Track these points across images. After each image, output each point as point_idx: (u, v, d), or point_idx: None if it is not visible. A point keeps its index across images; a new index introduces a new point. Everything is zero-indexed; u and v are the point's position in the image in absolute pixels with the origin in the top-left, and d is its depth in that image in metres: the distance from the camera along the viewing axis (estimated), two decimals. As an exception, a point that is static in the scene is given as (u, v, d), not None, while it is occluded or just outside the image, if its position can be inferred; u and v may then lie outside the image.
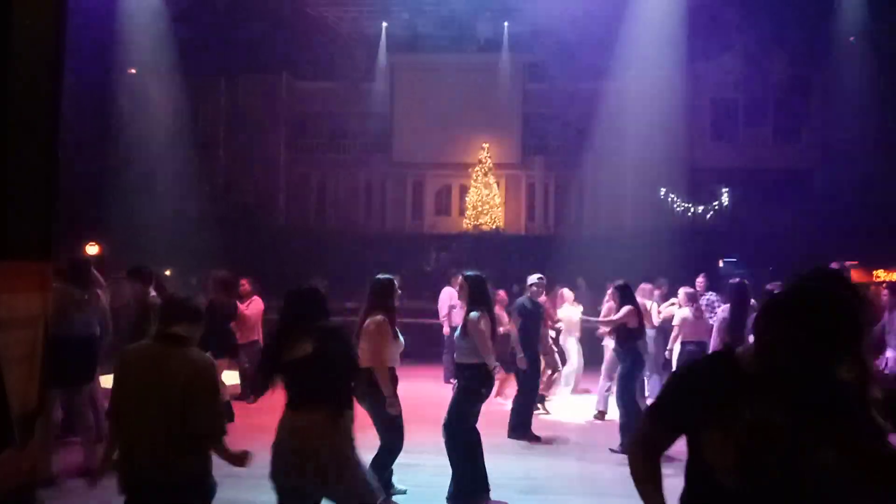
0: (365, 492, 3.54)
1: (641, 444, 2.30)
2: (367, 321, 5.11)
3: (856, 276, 17.56)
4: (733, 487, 2.04)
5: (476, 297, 5.61)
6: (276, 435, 3.51)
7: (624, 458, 6.89)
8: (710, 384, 2.10)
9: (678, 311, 8.68)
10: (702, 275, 9.68)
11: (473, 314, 5.51)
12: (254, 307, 9.58)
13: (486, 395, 5.67)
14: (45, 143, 2.69)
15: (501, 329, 9.78)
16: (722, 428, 2.05)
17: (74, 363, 5.64)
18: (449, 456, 5.47)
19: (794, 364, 1.99)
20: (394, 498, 5.32)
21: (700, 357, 2.55)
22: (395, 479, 5.38)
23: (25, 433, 2.35)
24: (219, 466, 4.11)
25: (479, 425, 5.65)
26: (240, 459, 3.31)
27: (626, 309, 7.56)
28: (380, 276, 5.31)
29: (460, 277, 6.13)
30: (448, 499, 5.39)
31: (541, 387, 8.60)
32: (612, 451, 7.06)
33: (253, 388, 3.74)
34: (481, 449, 5.57)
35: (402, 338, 5.20)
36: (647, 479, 2.23)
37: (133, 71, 24.40)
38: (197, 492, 3.25)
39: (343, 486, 3.43)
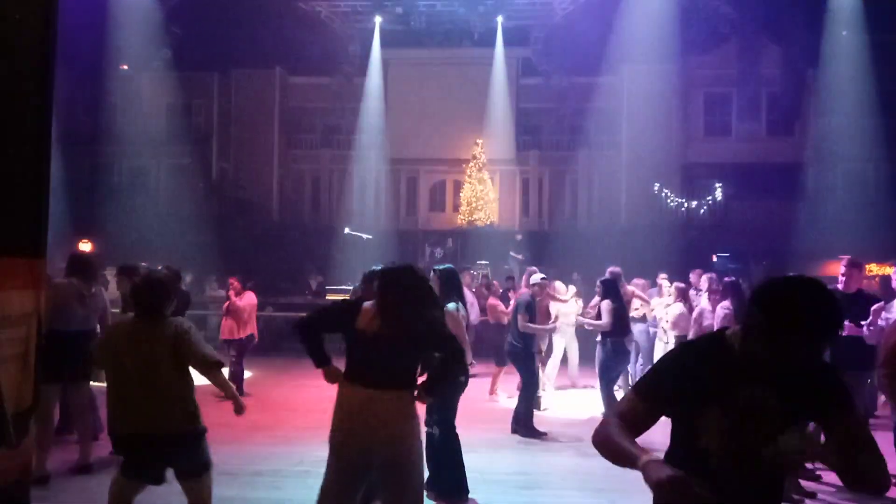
0: (420, 470, 3.57)
1: (619, 416, 2.17)
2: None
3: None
4: (716, 468, 2.07)
5: (447, 290, 5.60)
6: (346, 400, 3.46)
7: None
8: (707, 363, 2.12)
9: (672, 307, 8.70)
10: (696, 271, 9.70)
11: (451, 305, 5.48)
12: (247, 299, 9.53)
13: (465, 385, 5.61)
14: (37, 138, 2.66)
15: (499, 320, 9.81)
16: (719, 407, 2.08)
17: (74, 358, 5.63)
18: (436, 454, 5.44)
19: (763, 349, 2.02)
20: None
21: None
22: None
23: (19, 431, 2.34)
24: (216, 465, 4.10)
25: (476, 421, 5.64)
26: (237, 404, 3.98)
27: (605, 305, 7.63)
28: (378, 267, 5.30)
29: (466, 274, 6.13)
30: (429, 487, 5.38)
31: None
32: None
33: (317, 359, 3.69)
34: (459, 444, 5.55)
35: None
36: (618, 437, 2.09)
37: (125, 67, 24.28)
38: (192, 441, 3.77)
39: (409, 457, 3.44)
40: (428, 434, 5.31)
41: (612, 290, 7.85)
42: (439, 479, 5.35)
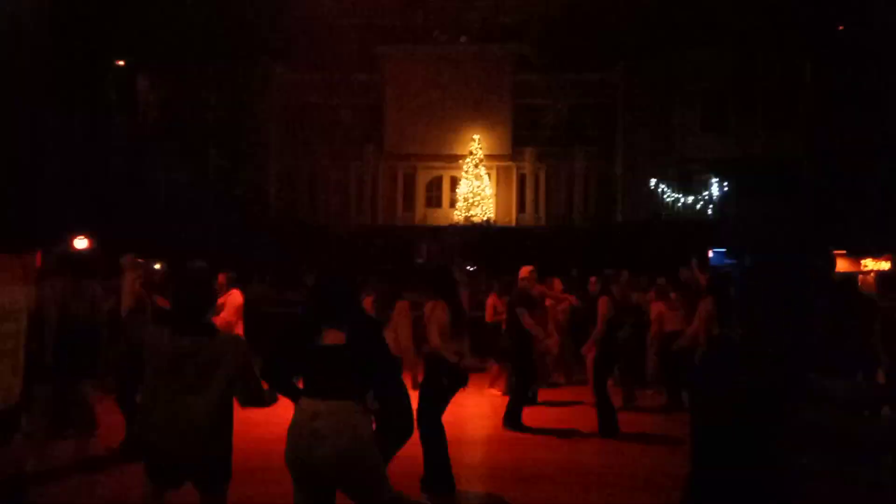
0: (381, 484, 3.53)
1: None
2: (430, 307, 5.39)
3: (844, 265, 17.68)
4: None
5: (437, 289, 5.66)
6: (294, 418, 3.40)
7: (615, 446, 6.94)
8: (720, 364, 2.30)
9: (653, 305, 8.82)
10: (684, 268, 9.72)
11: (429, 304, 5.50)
12: (231, 300, 9.29)
13: (464, 383, 5.57)
14: (26, 133, 2.65)
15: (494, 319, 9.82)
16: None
17: (74, 355, 5.62)
18: (423, 442, 5.49)
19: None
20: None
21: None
22: None
23: (10, 427, 2.34)
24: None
25: (471, 416, 5.66)
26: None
27: (600, 300, 7.68)
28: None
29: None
30: (430, 487, 5.42)
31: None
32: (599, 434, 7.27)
33: (270, 378, 3.59)
34: (444, 443, 5.52)
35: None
36: None
37: (121, 63, 24.21)
38: (224, 468, 3.48)
39: (359, 474, 3.39)
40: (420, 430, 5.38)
41: (606, 286, 7.89)
42: (428, 475, 5.39)
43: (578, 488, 5.72)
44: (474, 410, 8.29)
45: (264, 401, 3.59)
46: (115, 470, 5.82)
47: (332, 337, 3.43)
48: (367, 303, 7.37)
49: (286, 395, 3.57)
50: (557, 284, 10.23)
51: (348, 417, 3.36)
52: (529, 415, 7.78)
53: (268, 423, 7.76)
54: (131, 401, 6.17)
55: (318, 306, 3.54)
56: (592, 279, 8.74)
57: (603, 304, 7.60)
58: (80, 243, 18.95)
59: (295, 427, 3.38)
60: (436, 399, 5.46)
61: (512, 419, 7.43)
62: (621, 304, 8.31)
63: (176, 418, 3.33)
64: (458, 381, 5.51)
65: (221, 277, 9.21)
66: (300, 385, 3.52)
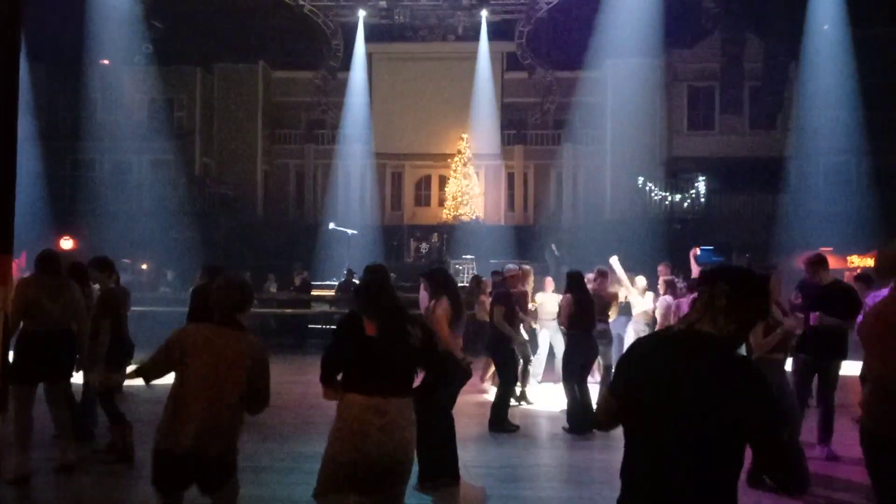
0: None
1: None
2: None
3: (830, 262, 17.75)
4: None
5: (437, 286, 5.70)
6: (351, 414, 3.34)
7: (601, 445, 6.94)
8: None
9: (661, 298, 8.74)
10: (663, 263, 9.75)
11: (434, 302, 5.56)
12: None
13: (468, 377, 5.71)
14: (2, 134, 2.61)
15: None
16: None
17: (50, 357, 5.54)
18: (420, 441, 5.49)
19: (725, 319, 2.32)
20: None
21: None
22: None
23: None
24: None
25: (460, 415, 5.68)
26: None
27: (565, 298, 7.71)
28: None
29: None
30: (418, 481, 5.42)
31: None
32: (564, 429, 7.31)
33: (326, 376, 3.58)
34: (454, 433, 5.63)
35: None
36: None
37: (106, 62, 24.01)
38: (230, 468, 3.44)
39: (408, 469, 3.45)
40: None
41: (573, 283, 7.79)
42: (430, 467, 5.39)
43: (567, 486, 5.73)
44: (461, 408, 8.27)
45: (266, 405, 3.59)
46: (100, 473, 5.76)
47: (410, 337, 3.49)
48: None
49: (331, 386, 3.55)
50: (549, 283, 10.26)
51: (410, 414, 3.44)
52: (518, 413, 7.79)
53: (259, 423, 7.74)
54: (113, 403, 6.10)
55: (385, 305, 3.55)
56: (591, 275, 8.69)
57: (565, 302, 7.65)
58: (66, 244, 18.85)
59: (355, 423, 3.33)
60: (444, 395, 5.50)
61: (497, 422, 7.41)
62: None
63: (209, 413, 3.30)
64: (464, 376, 5.59)
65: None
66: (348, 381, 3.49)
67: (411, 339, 3.48)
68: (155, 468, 3.36)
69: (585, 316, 7.51)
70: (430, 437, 5.40)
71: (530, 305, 9.61)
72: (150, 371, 3.47)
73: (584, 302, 7.56)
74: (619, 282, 9.26)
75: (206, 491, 3.41)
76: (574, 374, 7.45)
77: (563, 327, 8.12)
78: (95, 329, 5.95)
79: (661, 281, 8.99)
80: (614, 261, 9.14)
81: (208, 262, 7.48)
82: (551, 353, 10.33)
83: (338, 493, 3.39)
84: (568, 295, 7.66)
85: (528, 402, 8.92)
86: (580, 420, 7.25)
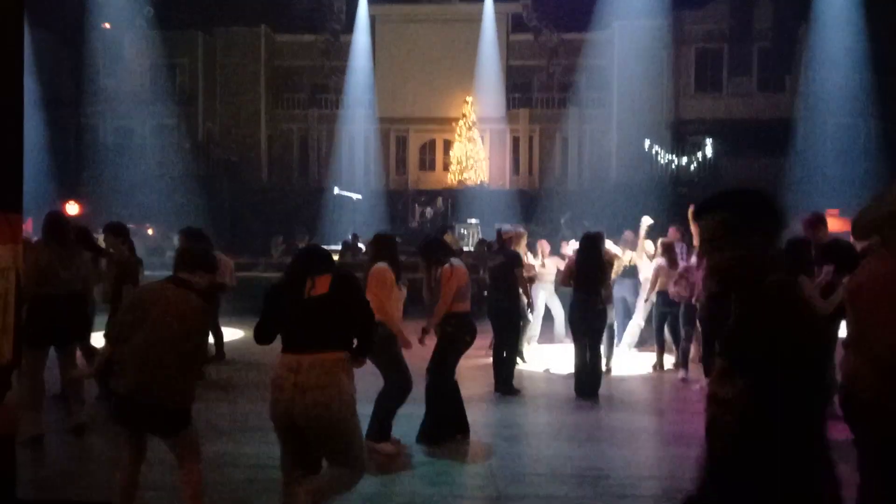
0: (357, 442, 3.56)
1: None
2: (372, 269, 5.31)
3: (838, 224, 17.70)
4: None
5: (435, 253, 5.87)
6: (277, 371, 3.44)
7: (602, 405, 7.00)
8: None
9: (655, 260, 8.73)
10: (673, 226, 9.73)
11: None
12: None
13: (469, 344, 5.81)
14: (8, 90, 2.60)
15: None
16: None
17: (64, 321, 5.60)
18: (427, 398, 5.64)
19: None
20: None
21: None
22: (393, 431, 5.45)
23: (2, 388, 2.34)
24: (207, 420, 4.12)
25: (463, 378, 5.77)
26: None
27: (569, 258, 7.78)
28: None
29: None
30: (418, 438, 5.56)
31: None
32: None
33: (261, 335, 3.65)
34: (459, 394, 5.78)
35: (404, 288, 5.49)
36: None
37: (107, 26, 23.79)
38: (178, 416, 3.63)
39: (341, 429, 3.42)
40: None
41: (584, 245, 7.75)
42: (430, 425, 5.57)
43: (571, 445, 5.80)
44: (463, 371, 8.34)
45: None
46: (107, 437, 5.85)
47: (319, 287, 3.48)
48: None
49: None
50: (544, 246, 10.27)
51: (331, 370, 3.38)
52: (524, 374, 7.84)
53: (260, 385, 7.83)
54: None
55: (305, 261, 3.63)
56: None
57: (568, 262, 7.69)
58: (72, 209, 18.88)
59: (277, 380, 3.41)
60: (449, 355, 5.67)
61: (503, 382, 7.47)
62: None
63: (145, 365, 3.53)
64: (469, 336, 5.74)
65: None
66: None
67: (334, 296, 3.50)
68: (111, 405, 3.73)
69: (587, 278, 7.45)
70: (436, 400, 5.62)
71: (537, 266, 9.67)
72: (119, 335, 3.65)
73: (588, 264, 7.49)
74: (634, 245, 9.27)
75: (160, 436, 3.67)
76: (580, 336, 7.44)
77: (564, 286, 8.13)
78: (117, 293, 6.01)
79: (658, 242, 8.98)
80: (645, 220, 9.17)
81: (188, 226, 7.61)
82: (549, 316, 10.40)
83: (283, 445, 3.54)
84: (573, 255, 7.67)
85: (524, 361, 9.00)
86: (584, 383, 7.28)
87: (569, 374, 7.77)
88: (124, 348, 3.59)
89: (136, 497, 3.76)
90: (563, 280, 7.87)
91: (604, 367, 8.16)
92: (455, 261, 5.83)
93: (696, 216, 2.06)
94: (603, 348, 8.34)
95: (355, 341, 3.57)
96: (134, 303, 3.69)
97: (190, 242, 6.79)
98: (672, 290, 8.08)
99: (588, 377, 7.30)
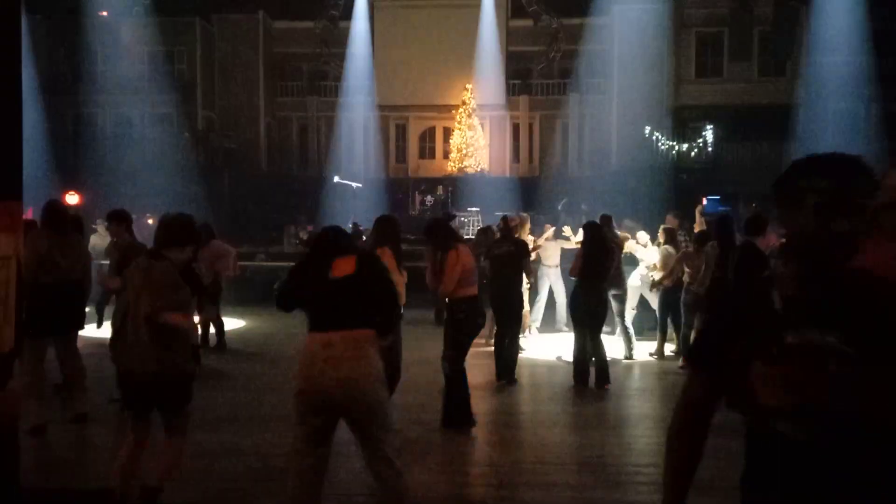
0: (387, 418, 3.56)
1: (690, 409, 1.90)
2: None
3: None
4: (793, 436, 1.70)
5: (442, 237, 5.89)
6: (308, 347, 3.46)
7: (603, 393, 7.01)
8: (751, 314, 1.79)
9: (661, 247, 8.72)
10: (671, 213, 9.72)
11: (453, 249, 5.62)
12: (212, 251, 9.13)
13: (481, 326, 5.95)
14: (7, 78, 2.58)
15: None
16: (767, 360, 1.73)
17: (63, 309, 5.60)
18: (449, 385, 5.73)
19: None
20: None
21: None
22: None
23: (3, 374, 2.34)
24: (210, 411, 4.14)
25: (466, 366, 5.82)
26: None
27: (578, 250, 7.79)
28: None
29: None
30: (444, 423, 5.64)
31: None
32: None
33: (284, 303, 3.70)
34: (466, 381, 5.81)
35: (404, 273, 5.63)
36: (682, 463, 1.94)
37: (105, 14, 23.67)
38: (175, 386, 3.81)
39: (368, 402, 3.43)
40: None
41: (588, 233, 7.71)
42: (454, 411, 5.66)
43: (573, 431, 5.81)
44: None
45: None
46: (109, 425, 5.86)
47: (343, 268, 3.51)
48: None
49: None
50: (548, 229, 10.30)
51: (362, 345, 3.44)
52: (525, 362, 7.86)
53: (260, 375, 7.84)
54: None
55: (332, 241, 3.68)
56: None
57: (577, 253, 7.71)
58: (71, 199, 18.85)
59: (307, 356, 3.44)
60: (463, 341, 5.75)
61: (504, 369, 7.46)
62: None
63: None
64: (481, 319, 5.87)
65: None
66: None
67: (362, 275, 3.53)
68: (119, 386, 3.93)
69: (589, 265, 7.42)
70: (456, 385, 5.72)
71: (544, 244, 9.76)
72: (125, 312, 3.82)
73: (592, 251, 7.45)
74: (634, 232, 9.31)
75: (160, 409, 3.85)
76: (579, 323, 7.41)
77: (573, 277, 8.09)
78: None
79: (660, 230, 8.98)
80: (699, 209, 9.24)
81: (116, 209, 7.38)
82: (553, 301, 10.41)
83: (299, 426, 3.49)
84: (581, 245, 7.63)
85: (522, 349, 9.00)
86: (583, 371, 7.25)
87: (569, 364, 7.77)
88: (123, 326, 3.78)
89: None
90: (574, 272, 7.73)
91: (623, 357, 8.28)
92: (461, 245, 5.87)
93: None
94: (621, 338, 8.40)
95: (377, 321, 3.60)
96: (124, 283, 3.90)
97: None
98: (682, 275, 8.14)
99: (596, 366, 7.25)
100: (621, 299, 8.51)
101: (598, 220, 8.42)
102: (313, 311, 3.53)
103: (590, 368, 7.27)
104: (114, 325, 3.90)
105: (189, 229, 4.00)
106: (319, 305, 3.50)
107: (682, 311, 8.20)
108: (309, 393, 3.41)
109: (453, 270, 5.60)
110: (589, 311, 7.35)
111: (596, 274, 7.39)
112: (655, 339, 8.83)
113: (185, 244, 3.91)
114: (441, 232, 5.90)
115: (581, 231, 8.27)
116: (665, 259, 8.50)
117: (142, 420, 3.88)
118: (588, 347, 7.30)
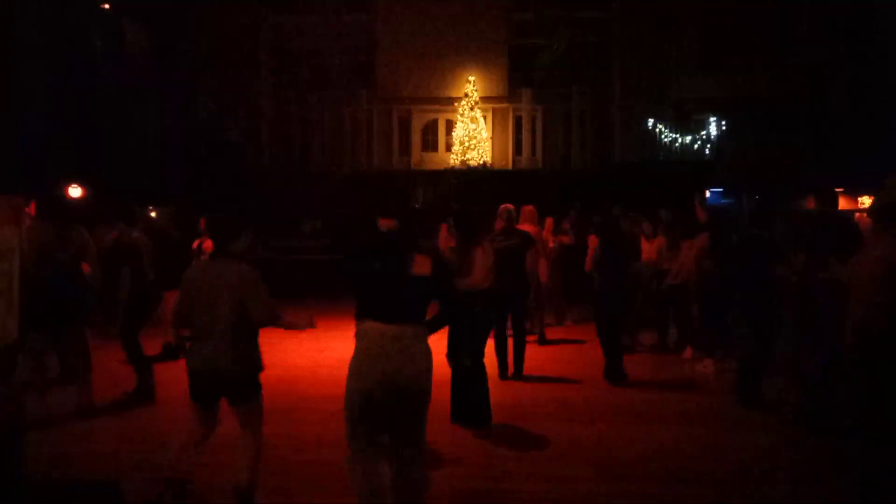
0: (425, 422, 3.59)
1: None
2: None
3: (842, 202, 17.66)
4: None
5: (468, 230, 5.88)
6: (365, 339, 3.43)
7: (607, 386, 7.01)
8: None
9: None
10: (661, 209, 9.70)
11: (480, 246, 5.75)
12: (209, 243, 9.14)
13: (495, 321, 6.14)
14: (7, 72, 2.59)
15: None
16: None
17: (62, 302, 5.60)
18: (475, 381, 5.76)
19: None
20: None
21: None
22: None
23: (7, 366, 2.35)
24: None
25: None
26: (303, 323, 4.06)
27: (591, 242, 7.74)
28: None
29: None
30: (480, 422, 5.67)
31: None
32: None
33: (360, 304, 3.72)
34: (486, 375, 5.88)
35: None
36: None
37: (106, 6, 23.62)
38: (251, 379, 3.90)
39: (421, 399, 3.46)
40: (455, 367, 5.69)
41: (604, 229, 7.64)
42: (465, 407, 5.67)
43: (573, 424, 5.82)
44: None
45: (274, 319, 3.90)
46: (115, 417, 5.87)
47: (421, 266, 3.51)
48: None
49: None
50: (548, 223, 10.26)
51: (421, 339, 3.49)
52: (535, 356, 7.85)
53: (270, 366, 7.85)
54: (137, 346, 6.21)
55: (407, 239, 3.65)
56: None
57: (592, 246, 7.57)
58: (74, 191, 18.86)
59: (374, 349, 3.40)
60: (482, 334, 5.83)
61: (512, 366, 7.46)
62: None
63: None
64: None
65: (203, 223, 9.09)
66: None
67: (421, 269, 3.54)
68: (189, 385, 3.92)
69: (606, 263, 7.33)
70: (481, 380, 5.76)
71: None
72: (183, 315, 3.91)
73: (608, 249, 7.35)
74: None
75: (231, 403, 3.88)
76: (601, 322, 7.35)
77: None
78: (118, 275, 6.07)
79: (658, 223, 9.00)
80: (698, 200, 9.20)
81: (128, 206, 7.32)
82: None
83: (362, 426, 3.45)
84: (596, 240, 7.52)
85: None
86: (613, 367, 7.20)
87: (573, 356, 7.79)
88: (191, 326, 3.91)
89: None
90: (589, 266, 7.64)
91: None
92: (486, 241, 5.92)
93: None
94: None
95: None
96: (184, 284, 3.93)
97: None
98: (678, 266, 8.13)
99: (612, 362, 7.22)
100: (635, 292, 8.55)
101: (611, 214, 8.40)
102: (376, 301, 3.48)
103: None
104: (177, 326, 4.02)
105: (240, 220, 4.12)
106: (387, 297, 3.47)
107: (684, 303, 8.21)
108: (363, 386, 3.39)
109: (484, 267, 5.64)
110: (607, 309, 7.30)
111: (612, 271, 7.31)
112: (657, 332, 8.83)
113: (238, 236, 4.02)
114: (470, 223, 5.91)
115: (593, 226, 8.20)
116: (697, 251, 8.45)
117: (208, 413, 3.94)
118: (609, 345, 7.27)
